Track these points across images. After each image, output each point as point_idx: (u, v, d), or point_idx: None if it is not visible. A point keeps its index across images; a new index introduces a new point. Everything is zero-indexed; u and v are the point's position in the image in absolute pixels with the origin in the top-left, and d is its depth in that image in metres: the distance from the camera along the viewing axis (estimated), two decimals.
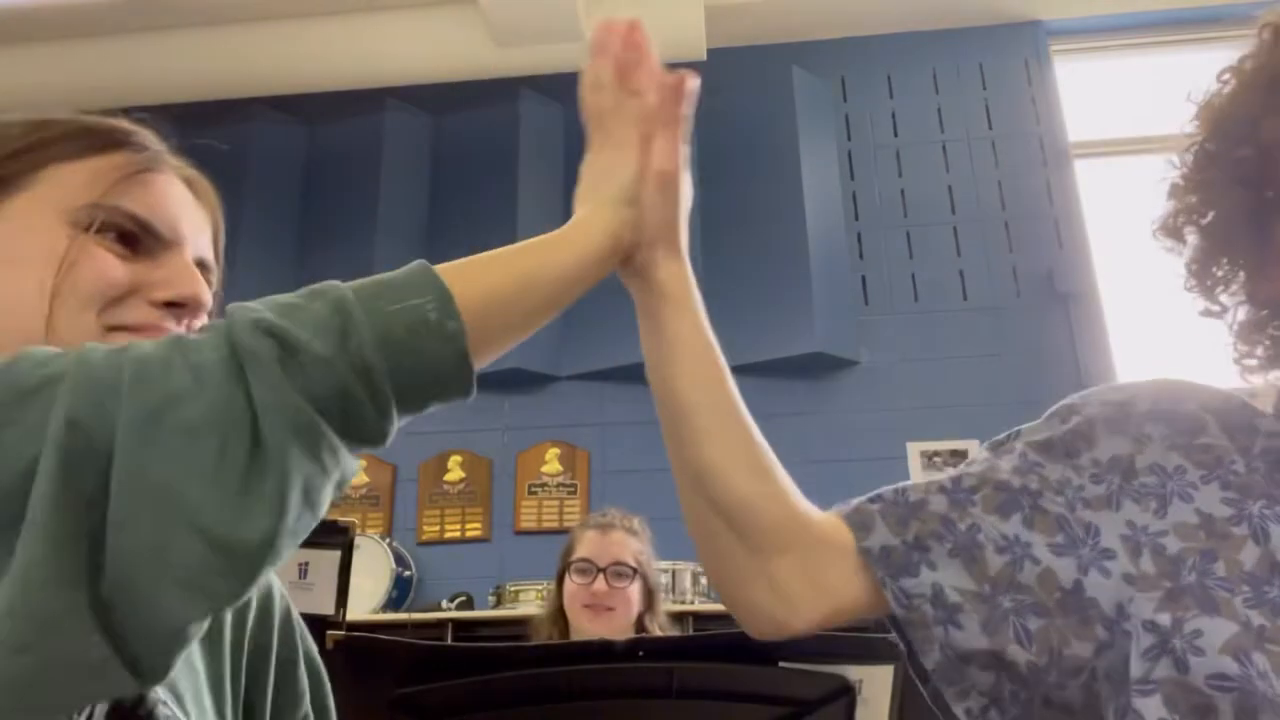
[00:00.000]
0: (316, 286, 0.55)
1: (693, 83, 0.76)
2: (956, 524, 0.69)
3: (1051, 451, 0.71)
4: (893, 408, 3.68)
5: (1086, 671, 0.65)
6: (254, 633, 0.74)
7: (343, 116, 4.15)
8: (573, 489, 3.77)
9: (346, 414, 0.51)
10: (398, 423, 0.56)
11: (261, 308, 0.52)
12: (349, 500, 3.79)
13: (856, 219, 4.04)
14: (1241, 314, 0.75)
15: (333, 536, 2.02)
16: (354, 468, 0.53)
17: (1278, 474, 0.67)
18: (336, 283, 0.56)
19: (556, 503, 3.76)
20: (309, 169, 4.18)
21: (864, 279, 3.95)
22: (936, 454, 3.58)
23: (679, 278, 0.77)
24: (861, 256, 3.98)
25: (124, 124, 0.69)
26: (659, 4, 3.95)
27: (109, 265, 0.62)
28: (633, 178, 0.73)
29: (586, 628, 1.94)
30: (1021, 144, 4.05)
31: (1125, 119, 4.04)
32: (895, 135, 4.13)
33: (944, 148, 4.08)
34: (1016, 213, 3.94)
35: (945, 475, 0.74)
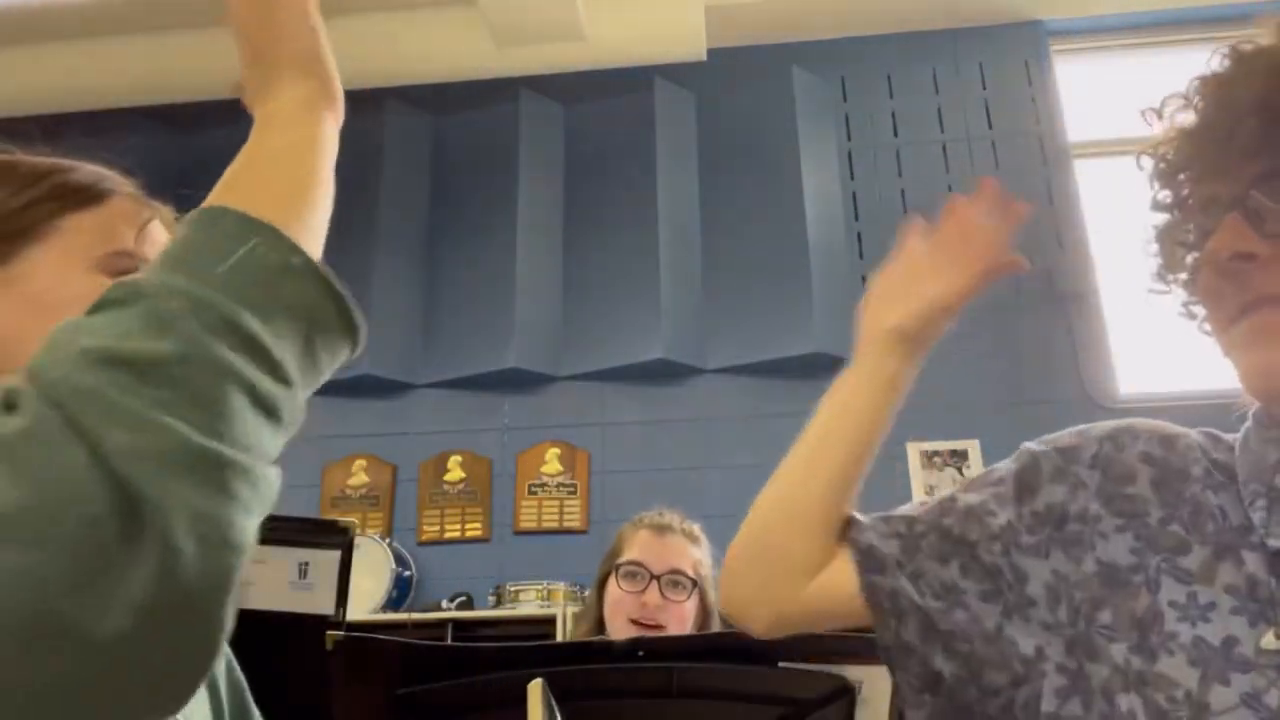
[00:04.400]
0: (107, 295, 0.43)
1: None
2: (905, 565, 0.77)
3: (1003, 500, 0.77)
4: None
5: (1004, 697, 0.71)
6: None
7: (343, 116, 4.14)
8: (573, 489, 3.77)
9: (251, 403, 0.42)
10: (304, 389, 0.46)
11: (58, 346, 0.40)
12: (349, 500, 3.79)
13: (856, 219, 4.04)
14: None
15: (333, 536, 2.02)
16: (274, 481, 0.44)
17: (1196, 519, 0.69)
18: (126, 280, 0.44)
19: (556, 503, 3.76)
20: None
21: (864, 279, 3.94)
22: (936, 454, 3.58)
23: (909, 370, 0.91)
24: (861, 256, 3.98)
25: (106, 171, 0.73)
26: (659, 4, 3.95)
27: None
28: (311, 32, 0.66)
29: None
30: (1021, 144, 4.05)
31: (1125, 119, 4.04)
32: (895, 135, 4.13)
33: (944, 148, 4.08)
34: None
35: (902, 516, 0.81)
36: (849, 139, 4.14)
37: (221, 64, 3.85)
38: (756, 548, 0.85)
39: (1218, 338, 0.70)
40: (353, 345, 0.50)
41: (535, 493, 3.78)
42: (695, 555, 1.74)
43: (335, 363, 0.49)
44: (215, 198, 0.50)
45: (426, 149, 4.19)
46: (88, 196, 0.69)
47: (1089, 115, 4.13)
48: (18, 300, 0.63)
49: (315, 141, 0.59)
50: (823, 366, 3.78)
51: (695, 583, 1.69)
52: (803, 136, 3.98)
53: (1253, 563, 0.65)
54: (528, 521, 3.76)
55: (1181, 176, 0.71)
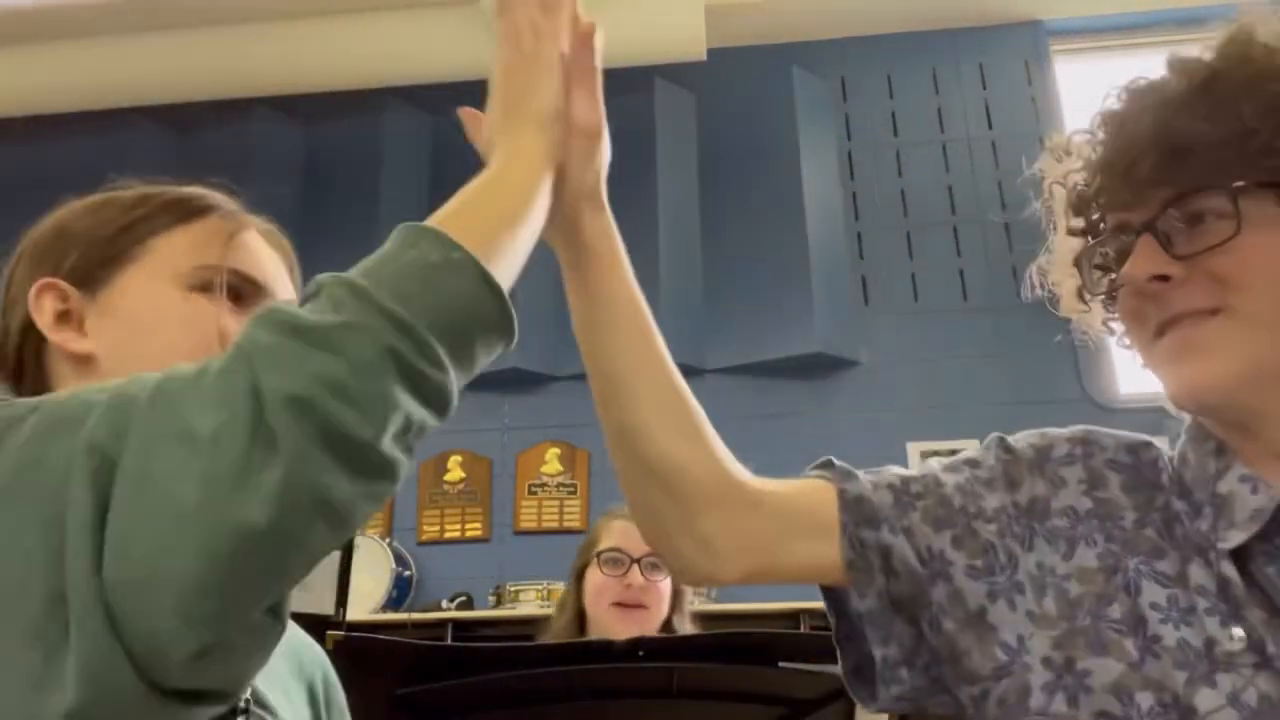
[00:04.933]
0: (304, 291, 0.54)
1: (599, 35, 0.78)
2: (895, 523, 0.74)
3: (991, 486, 0.75)
4: (892, 408, 3.68)
5: (979, 687, 0.70)
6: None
7: (343, 116, 4.15)
8: (573, 489, 3.77)
9: (400, 374, 0.50)
10: (457, 378, 0.54)
11: (257, 317, 0.51)
12: None
13: (856, 219, 4.04)
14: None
15: None
16: (432, 414, 0.54)
17: (1172, 526, 0.71)
18: (317, 278, 0.54)
19: (556, 503, 3.76)
20: (308, 169, 4.18)
21: (864, 279, 3.95)
22: (936, 454, 3.57)
23: (606, 235, 0.78)
24: (861, 256, 3.98)
25: (206, 192, 0.78)
26: (659, 4, 3.95)
27: (228, 319, 0.70)
28: (556, 95, 0.74)
29: (615, 629, 1.71)
30: (1021, 144, 4.05)
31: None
32: (895, 135, 4.13)
33: (944, 148, 4.08)
34: (1016, 213, 3.94)
35: (895, 473, 0.78)
36: (849, 139, 4.14)
37: (222, 64, 3.86)
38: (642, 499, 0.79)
39: (1141, 354, 0.74)
40: (508, 339, 0.58)
41: (535, 493, 3.78)
42: None
43: (490, 354, 0.57)
44: (432, 220, 0.59)
45: (426, 149, 4.19)
46: (177, 217, 0.74)
47: (1088, 115, 4.13)
48: (114, 321, 0.70)
49: (535, 190, 0.67)
50: (823, 366, 3.78)
51: None
52: (803, 136, 3.98)
53: (1219, 564, 0.67)
54: (528, 521, 3.76)
55: (1093, 204, 0.75)
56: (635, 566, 1.76)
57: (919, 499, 0.75)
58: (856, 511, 0.74)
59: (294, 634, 0.85)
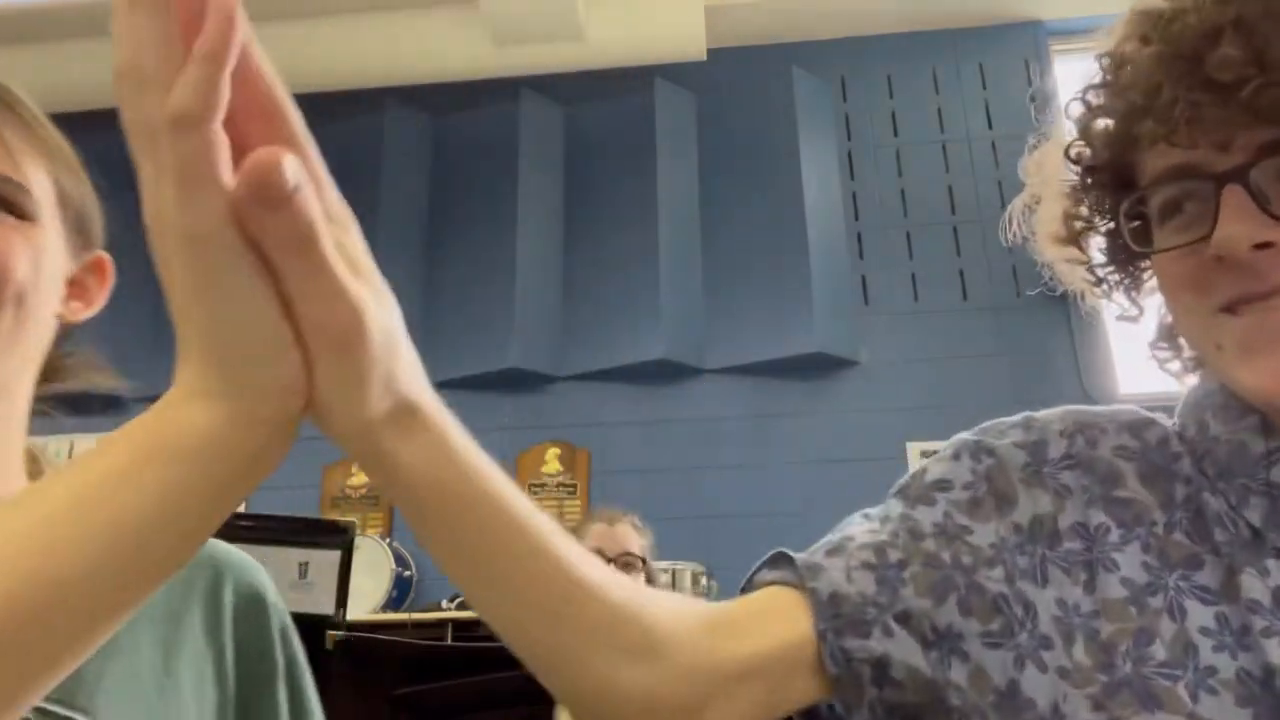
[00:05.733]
0: None
1: (291, 164, 0.37)
2: (888, 609, 0.58)
3: (980, 511, 0.61)
4: (893, 408, 3.68)
5: None
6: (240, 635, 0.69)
7: (343, 116, 4.15)
8: (573, 489, 3.77)
9: None
10: None
11: None
12: (349, 500, 3.79)
13: (856, 219, 4.04)
14: (1159, 315, 0.69)
15: (333, 536, 2.02)
16: None
17: (1199, 525, 0.59)
18: None
19: (556, 503, 3.76)
20: None
21: (864, 279, 3.95)
22: (936, 454, 3.58)
23: (436, 462, 0.48)
24: (861, 256, 3.97)
25: None
26: (659, 4, 3.95)
27: None
28: (272, 326, 0.39)
29: None
30: (1021, 144, 4.03)
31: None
32: (895, 135, 4.13)
33: (944, 148, 4.08)
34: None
35: (865, 541, 0.61)
36: (849, 139, 4.14)
37: None
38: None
39: (1191, 330, 0.61)
40: None
41: (535, 493, 3.78)
42: (641, 541, 2.07)
43: None
44: None
45: (426, 149, 4.18)
46: None
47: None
48: None
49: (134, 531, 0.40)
50: (823, 366, 3.78)
51: (644, 560, 2.04)
52: (803, 136, 3.98)
53: (1277, 572, 0.55)
54: None
55: (1126, 138, 0.59)
56: (610, 565, 1.92)
57: (904, 567, 0.59)
58: (834, 616, 0.58)
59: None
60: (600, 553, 1.95)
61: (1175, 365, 0.69)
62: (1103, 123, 0.61)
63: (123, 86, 0.37)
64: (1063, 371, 3.68)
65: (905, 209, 4.01)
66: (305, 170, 0.39)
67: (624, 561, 2.00)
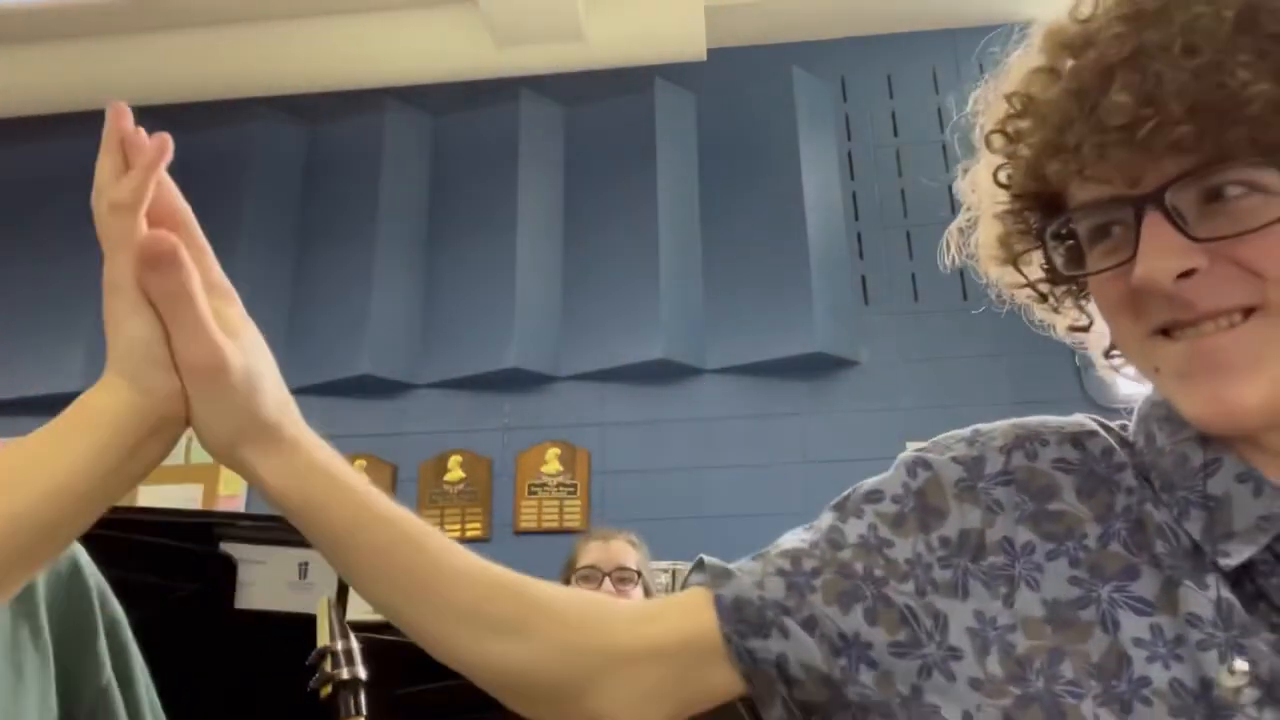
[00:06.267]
0: None
1: (166, 245, 0.55)
2: (794, 613, 0.61)
3: (903, 526, 0.63)
4: (893, 408, 3.68)
5: None
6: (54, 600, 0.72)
7: (343, 116, 4.15)
8: (573, 489, 3.77)
9: None
10: None
11: None
12: None
13: (856, 219, 4.04)
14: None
15: None
16: None
17: (1139, 536, 0.59)
18: None
19: (556, 503, 3.76)
20: (309, 169, 4.18)
21: (864, 279, 3.95)
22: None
23: (301, 474, 0.60)
24: (861, 256, 3.97)
25: None
26: (659, 4, 3.95)
27: None
28: (158, 352, 0.57)
29: None
30: None
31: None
32: (895, 135, 4.13)
33: (944, 148, 4.08)
34: None
35: (787, 548, 0.65)
36: (849, 139, 4.14)
37: (222, 64, 3.87)
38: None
39: (1131, 353, 0.61)
40: None
41: (535, 493, 3.78)
42: (636, 555, 2.12)
43: None
44: None
45: (426, 149, 4.18)
46: None
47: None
48: None
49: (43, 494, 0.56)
50: (823, 366, 3.78)
51: (639, 574, 2.09)
52: (803, 136, 3.98)
53: (1217, 585, 0.55)
54: (528, 521, 3.75)
55: (1046, 168, 0.58)
56: (606, 579, 2.06)
57: (816, 575, 0.62)
58: (738, 619, 0.62)
59: None
60: (595, 568, 2.07)
61: (1130, 370, 0.68)
62: (1025, 150, 0.60)
63: (97, 198, 0.57)
64: (1062, 372, 3.68)
65: (905, 209, 4.01)
66: (189, 253, 0.56)
67: (619, 576, 2.05)
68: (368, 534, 0.62)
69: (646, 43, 4.07)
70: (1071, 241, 0.62)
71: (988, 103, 0.66)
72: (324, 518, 0.61)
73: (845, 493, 0.68)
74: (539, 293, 3.90)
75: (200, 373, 0.56)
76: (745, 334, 3.77)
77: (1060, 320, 0.71)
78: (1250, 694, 0.51)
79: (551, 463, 3.81)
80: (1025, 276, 0.67)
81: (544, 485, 3.79)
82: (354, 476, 0.62)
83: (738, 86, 4.10)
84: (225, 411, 0.57)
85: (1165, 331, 0.57)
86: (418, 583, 0.63)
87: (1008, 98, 0.61)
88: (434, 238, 4.05)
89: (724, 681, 0.63)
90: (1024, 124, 0.60)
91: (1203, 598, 0.55)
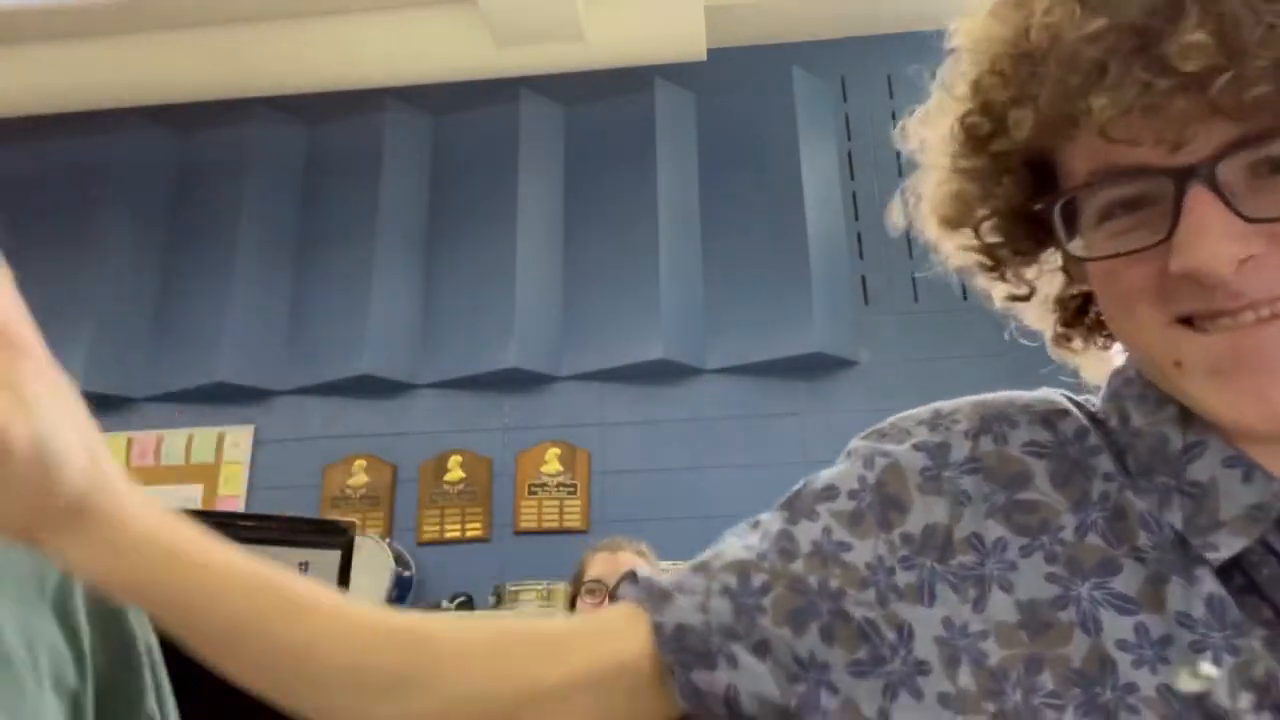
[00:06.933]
0: None
1: None
2: (743, 638, 0.54)
3: (861, 525, 0.56)
4: (892, 408, 3.64)
5: None
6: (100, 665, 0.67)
7: (343, 116, 4.15)
8: (573, 489, 3.77)
9: None
10: None
11: None
12: (349, 500, 3.79)
13: (856, 219, 4.04)
14: (1056, 289, 0.63)
15: (333, 536, 2.02)
16: None
17: (1118, 526, 0.53)
18: None
19: (557, 503, 3.76)
20: (309, 169, 4.17)
21: (864, 279, 3.94)
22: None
23: (101, 548, 0.48)
24: (861, 256, 3.97)
25: None
26: (659, 4, 3.95)
27: None
28: None
29: None
30: None
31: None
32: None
33: None
34: None
35: (731, 558, 0.58)
36: (849, 139, 4.14)
37: (222, 64, 3.87)
38: None
39: (1139, 342, 0.54)
40: None
41: (535, 493, 3.78)
42: (645, 566, 2.08)
43: None
44: None
45: (426, 149, 4.18)
46: None
47: None
48: None
49: None
50: (823, 366, 3.78)
51: None
52: (803, 136, 3.98)
53: (1209, 581, 0.50)
54: (528, 521, 3.75)
55: (1061, 123, 0.50)
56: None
57: (765, 592, 0.55)
58: (680, 649, 0.54)
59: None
60: (601, 583, 2.06)
61: (1076, 342, 0.62)
62: (1008, 97, 0.52)
63: None
64: (1063, 371, 3.68)
65: (905, 209, 4.01)
66: None
67: None
68: (215, 606, 0.50)
69: (646, 43, 4.07)
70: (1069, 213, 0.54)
71: (975, 37, 0.57)
72: (158, 597, 0.50)
73: (796, 487, 0.62)
74: (539, 293, 3.90)
75: None
76: (745, 334, 3.77)
77: (999, 289, 0.65)
78: (1245, 699, 0.46)
79: (551, 463, 3.81)
80: (979, 239, 0.60)
81: (544, 485, 3.79)
82: (193, 539, 0.50)
83: (738, 86, 4.10)
84: (12, 502, 0.45)
85: (1188, 323, 0.50)
86: (290, 655, 0.51)
87: (1022, 29, 0.51)
88: (434, 238, 4.05)
89: (660, 711, 0.56)
90: (1030, 62, 0.50)
91: (1193, 594, 0.49)
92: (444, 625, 0.55)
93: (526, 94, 4.14)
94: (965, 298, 3.86)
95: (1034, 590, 0.52)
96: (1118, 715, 0.48)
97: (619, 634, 0.56)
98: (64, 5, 3.91)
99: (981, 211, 0.59)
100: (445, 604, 3.51)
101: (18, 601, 0.63)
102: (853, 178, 4.09)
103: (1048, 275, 0.63)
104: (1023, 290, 0.63)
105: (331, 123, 4.18)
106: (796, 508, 0.60)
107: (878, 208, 4.03)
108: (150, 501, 0.50)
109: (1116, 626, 0.50)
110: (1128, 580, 0.51)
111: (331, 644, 0.52)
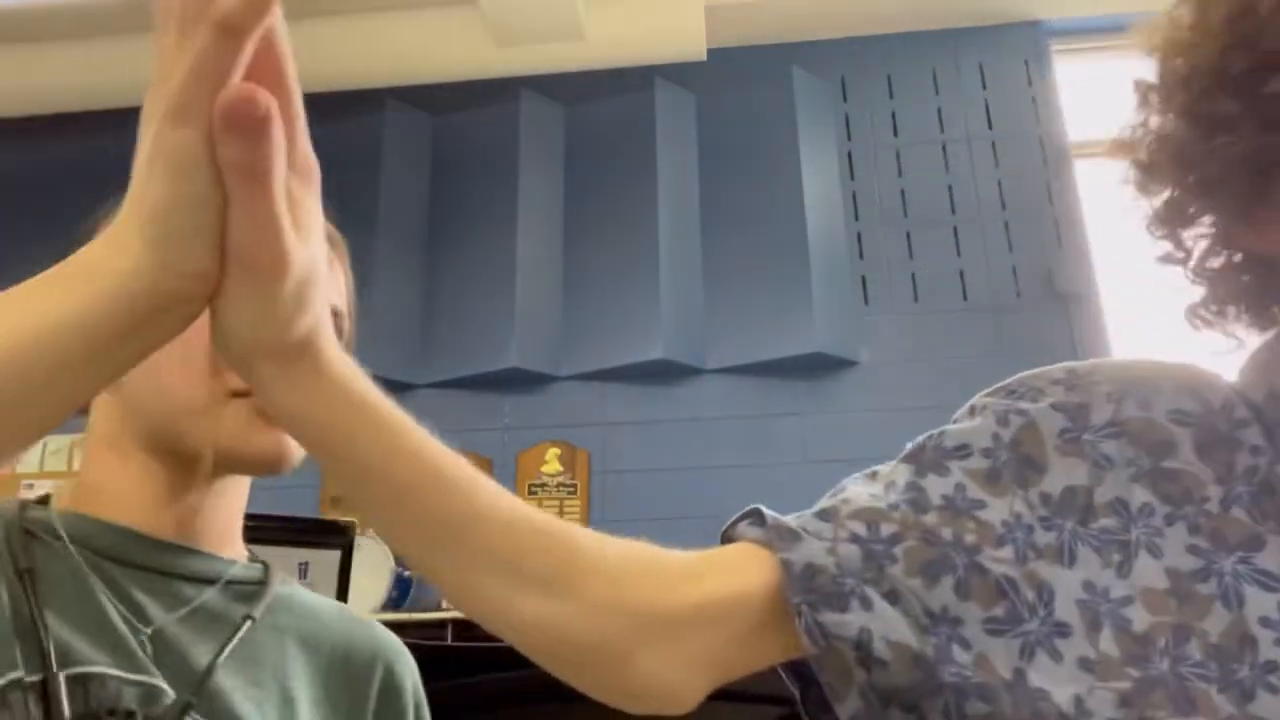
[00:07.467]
0: None
1: (269, 109, 0.43)
2: (875, 584, 0.53)
3: (998, 483, 0.55)
4: (893, 408, 3.67)
5: None
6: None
7: (343, 116, 4.15)
8: (573, 489, 3.77)
9: None
10: None
11: None
12: (349, 500, 3.79)
13: (856, 219, 4.04)
14: (1201, 253, 0.62)
15: (333, 536, 2.02)
16: None
17: (1266, 501, 0.52)
18: None
19: (556, 503, 3.76)
20: None
21: (864, 279, 3.94)
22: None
23: (310, 390, 0.50)
24: (861, 256, 3.97)
25: None
26: (659, 4, 3.95)
27: None
28: (205, 225, 0.44)
29: None
30: (1021, 144, 4.05)
31: (1125, 119, 4.03)
32: (895, 135, 4.13)
33: (944, 148, 4.08)
34: (1016, 213, 3.94)
35: (860, 506, 0.56)
36: (849, 139, 4.14)
37: None
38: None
39: None
40: None
41: (535, 493, 3.78)
42: None
43: None
44: None
45: (426, 149, 4.18)
46: None
47: (1088, 115, 4.13)
48: None
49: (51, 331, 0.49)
50: (823, 366, 3.78)
51: None
52: (803, 136, 3.98)
53: None
54: None
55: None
56: None
57: (896, 541, 0.53)
58: (809, 588, 0.53)
59: (350, 628, 0.84)
60: None
61: (1208, 312, 0.62)
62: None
63: (168, 19, 0.45)
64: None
65: (905, 209, 4.01)
66: (281, 122, 0.44)
67: None
68: (396, 470, 0.52)
69: (646, 42, 4.07)
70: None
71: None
72: (341, 447, 0.51)
73: (918, 442, 0.60)
74: (539, 293, 3.90)
75: (252, 270, 0.45)
76: (745, 334, 3.77)
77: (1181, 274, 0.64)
78: None
79: (551, 463, 3.81)
80: (1185, 248, 0.60)
81: (544, 485, 3.79)
82: (386, 406, 0.52)
83: (738, 86, 4.10)
84: (259, 318, 0.46)
85: None
86: (451, 527, 0.53)
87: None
88: (434, 237, 4.05)
89: (776, 650, 0.55)
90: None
91: None
92: (591, 538, 0.58)
93: (527, 94, 4.14)
94: (965, 298, 3.87)
95: (1177, 560, 0.51)
96: (1255, 693, 0.46)
97: (743, 570, 0.56)
98: (64, 5, 3.91)
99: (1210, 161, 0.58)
100: (445, 604, 3.51)
101: (322, 702, 0.76)
102: (853, 178, 4.08)
103: (1200, 245, 0.62)
104: (1179, 253, 0.62)
105: (332, 123, 4.18)
106: (923, 461, 0.58)
107: (878, 208, 4.03)
108: (345, 355, 0.52)
109: (1260, 603, 0.49)
110: (1273, 556, 0.50)
111: (491, 528, 0.54)
